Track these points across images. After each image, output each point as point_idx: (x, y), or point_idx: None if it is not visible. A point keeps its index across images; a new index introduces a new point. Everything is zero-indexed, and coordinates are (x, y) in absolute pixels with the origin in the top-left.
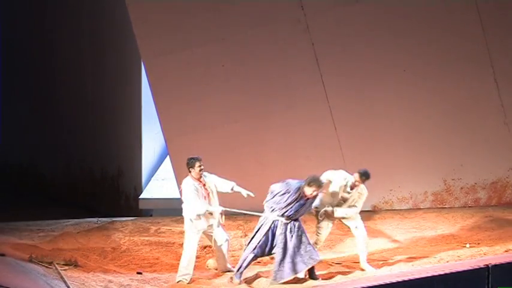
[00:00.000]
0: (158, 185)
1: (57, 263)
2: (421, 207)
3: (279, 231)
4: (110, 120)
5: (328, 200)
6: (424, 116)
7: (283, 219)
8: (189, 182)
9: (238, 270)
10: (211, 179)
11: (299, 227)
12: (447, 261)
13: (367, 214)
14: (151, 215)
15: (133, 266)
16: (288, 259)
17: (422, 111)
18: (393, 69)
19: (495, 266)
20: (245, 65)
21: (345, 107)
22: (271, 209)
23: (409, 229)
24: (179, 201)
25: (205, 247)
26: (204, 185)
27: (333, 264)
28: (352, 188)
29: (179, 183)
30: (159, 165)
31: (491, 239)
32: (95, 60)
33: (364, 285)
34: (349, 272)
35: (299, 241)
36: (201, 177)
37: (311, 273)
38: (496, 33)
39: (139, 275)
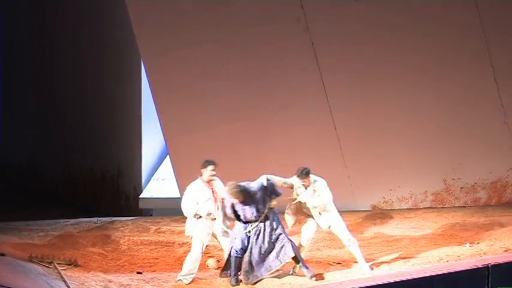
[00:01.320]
0: (158, 185)
1: (57, 263)
2: (421, 207)
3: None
4: (110, 120)
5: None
6: (424, 115)
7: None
8: (195, 186)
9: (232, 275)
10: (218, 185)
11: (274, 220)
12: (447, 261)
13: (366, 214)
14: (151, 215)
15: (133, 265)
16: (259, 259)
17: (422, 110)
18: (393, 69)
19: (495, 265)
20: (245, 65)
21: (344, 106)
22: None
23: (408, 229)
24: (179, 200)
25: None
26: (213, 189)
27: (333, 264)
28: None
29: (179, 182)
30: (159, 165)
31: (491, 239)
32: (95, 60)
33: (364, 285)
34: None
35: (272, 237)
36: (210, 181)
37: (295, 259)
38: (496, 32)
39: (139, 275)
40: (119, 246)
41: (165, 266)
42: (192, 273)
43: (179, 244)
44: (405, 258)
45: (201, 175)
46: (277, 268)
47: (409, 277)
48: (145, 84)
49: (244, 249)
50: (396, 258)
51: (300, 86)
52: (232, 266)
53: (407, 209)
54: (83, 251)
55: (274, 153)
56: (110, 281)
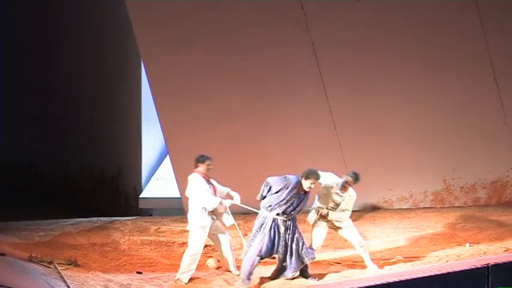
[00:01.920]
0: (158, 185)
1: (57, 263)
2: (421, 206)
3: (282, 230)
4: (110, 120)
5: (322, 202)
6: (424, 115)
7: (283, 218)
8: (197, 177)
9: (247, 276)
10: (212, 181)
11: (296, 226)
12: (447, 261)
13: (366, 214)
14: (151, 215)
15: (133, 265)
16: (289, 257)
17: (422, 110)
18: (393, 69)
19: (495, 265)
20: (245, 64)
21: (344, 106)
22: (270, 207)
23: (408, 228)
24: (179, 200)
25: (205, 246)
26: (210, 181)
27: (333, 263)
28: (342, 191)
29: (179, 182)
30: (159, 165)
31: (491, 239)
32: (95, 60)
33: (364, 285)
34: (350, 271)
35: (297, 240)
36: (207, 176)
37: (304, 272)
38: (496, 32)
39: (139, 275)
40: (118, 246)
41: (165, 265)
42: (191, 270)
43: (179, 244)
44: (405, 258)
45: (197, 168)
46: (300, 268)
47: (409, 277)
48: (145, 84)
49: (269, 249)
50: (396, 259)
51: (300, 87)
52: (253, 269)
53: (407, 208)
54: (82, 250)
55: (275, 153)
56: (110, 281)
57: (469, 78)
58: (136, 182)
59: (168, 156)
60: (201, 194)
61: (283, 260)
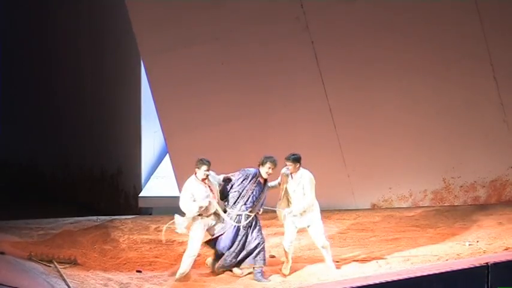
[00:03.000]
0: (158, 183)
1: (56, 261)
2: (421, 205)
3: (243, 224)
4: (109, 119)
5: (283, 204)
6: (423, 113)
7: (247, 213)
8: (190, 183)
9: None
10: (215, 179)
11: (258, 225)
12: (446, 260)
13: (366, 212)
14: (150, 214)
15: (132, 264)
16: (243, 251)
17: (421, 109)
18: (393, 67)
19: (494, 264)
20: (244, 63)
21: (344, 105)
22: (234, 202)
23: (408, 227)
24: (179, 199)
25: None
26: (210, 186)
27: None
28: (292, 174)
29: (179, 180)
30: (159, 163)
31: (490, 237)
32: (94, 59)
33: (363, 284)
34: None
35: (257, 238)
36: (204, 179)
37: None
38: (496, 31)
39: (138, 274)
40: (118, 244)
41: (165, 264)
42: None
43: (179, 243)
44: (404, 257)
45: (195, 173)
46: (246, 267)
47: (408, 276)
48: (144, 82)
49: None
50: (395, 257)
51: (300, 85)
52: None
53: (407, 207)
54: (82, 249)
55: (274, 151)
56: (110, 280)
57: (468, 76)
58: (136, 180)
59: (167, 155)
60: (181, 200)
61: (233, 251)
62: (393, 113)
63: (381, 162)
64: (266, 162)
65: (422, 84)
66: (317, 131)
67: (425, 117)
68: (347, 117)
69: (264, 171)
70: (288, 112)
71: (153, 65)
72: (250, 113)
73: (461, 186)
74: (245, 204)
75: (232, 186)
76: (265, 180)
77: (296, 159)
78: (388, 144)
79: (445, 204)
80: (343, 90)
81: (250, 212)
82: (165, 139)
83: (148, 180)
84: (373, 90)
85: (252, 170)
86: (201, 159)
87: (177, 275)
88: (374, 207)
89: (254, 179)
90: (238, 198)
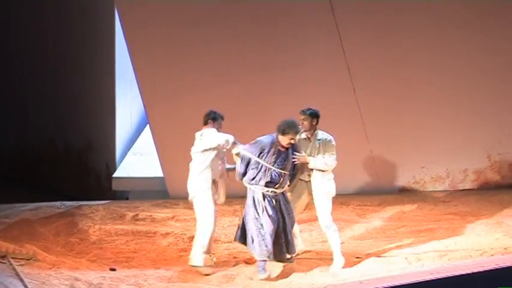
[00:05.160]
0: (136, 161)
1: (12, 257)
2: (460, 188)
3: (274, 204)
4: (76, 82)
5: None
6: (464, 77)
7: (273, 189)
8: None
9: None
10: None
11: (288, 202)
12: (492, 255)
13: (393, 197)
14: (127, 198)
15: (105, 260)
16: (289, 234)
17: (462, 71)
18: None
19: None
20: (245, 13)
21: (365, 63)
22: (254, 180)
23: (444, 215)
24: (162, 180)
25: None
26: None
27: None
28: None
29: (162, 158)
30: (137, 137)
31: None
32: (57, 6)
33: (390, 285)
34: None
35: (291, 217)
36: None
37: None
38: None
39: (112, 272)
40: (87, 236)
41: (145, 261)
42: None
43: (162, 234)
44: (439, 251)
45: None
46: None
47: (445, 275)
48: (119, 38)
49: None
50: (428, 252)
51: (312, 38)
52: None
53: (443, 190)
54: (43, 242)
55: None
56: (77, 279)
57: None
58: (109, 157)
59: (147, 126)
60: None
61: (285, 236)
62: (427, 75)
63: (410, 136)
64: (288, 133)
65: (461, 39)
66: (332, 96)
67: (466, 82)
68: (368, 79)
69: (286, 141)
70: (298, 72)
71: (131, 20)
72: (249, 75)
73: (510, 165)
74: (271, 182)
75: (248, 163)
76: (287, 149)
77: (313, 114)
78: (420, 115)
79: (491, 187)
80: (364, 46)
81: (276, 188)
82: (144, 107)
83: (124, 157)
84: (401, 53)
85: (267, 140)
86: (213, 111)
87: (194, 262)
88: (403, 191)
89: (273, 150)
90: (257, 175)
